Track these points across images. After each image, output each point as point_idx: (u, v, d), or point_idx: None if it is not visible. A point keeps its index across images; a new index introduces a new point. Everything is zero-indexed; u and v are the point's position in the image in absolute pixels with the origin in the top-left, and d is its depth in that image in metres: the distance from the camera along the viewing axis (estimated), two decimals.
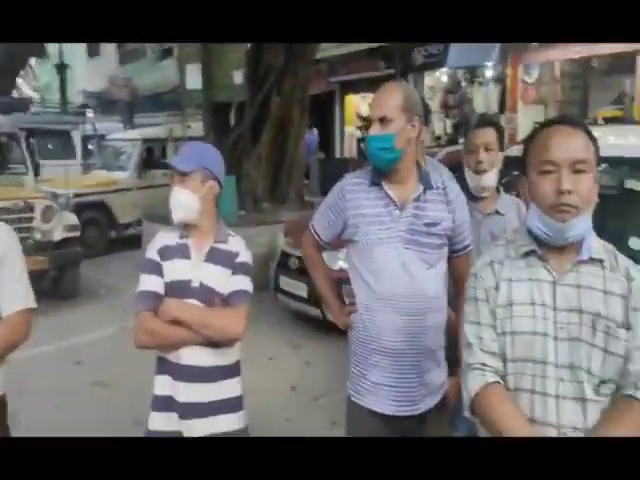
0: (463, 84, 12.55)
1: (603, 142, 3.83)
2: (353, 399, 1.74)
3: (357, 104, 13.56)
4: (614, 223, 2.80)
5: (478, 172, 2.05)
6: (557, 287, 1.20)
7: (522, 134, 9.46)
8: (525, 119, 10.35)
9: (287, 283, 4.85)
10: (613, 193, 3.28)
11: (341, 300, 1.90)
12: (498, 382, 1.22)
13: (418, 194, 1.64)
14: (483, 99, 12.09)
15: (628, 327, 1.17)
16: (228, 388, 1.67)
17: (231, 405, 1.67)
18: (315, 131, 12.99)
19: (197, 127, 8.30)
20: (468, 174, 2.10)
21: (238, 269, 1.65)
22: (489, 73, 11.62)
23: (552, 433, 1.17)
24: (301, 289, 4.55)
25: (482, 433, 1.29)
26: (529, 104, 10.80)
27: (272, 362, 4.17)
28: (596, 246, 1.24)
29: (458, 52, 11.04)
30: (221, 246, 1.66)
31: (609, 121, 8.45)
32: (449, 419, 1.80)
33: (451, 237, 1.68)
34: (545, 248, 1.23)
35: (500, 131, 2.11)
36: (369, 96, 13.42)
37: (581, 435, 1.16)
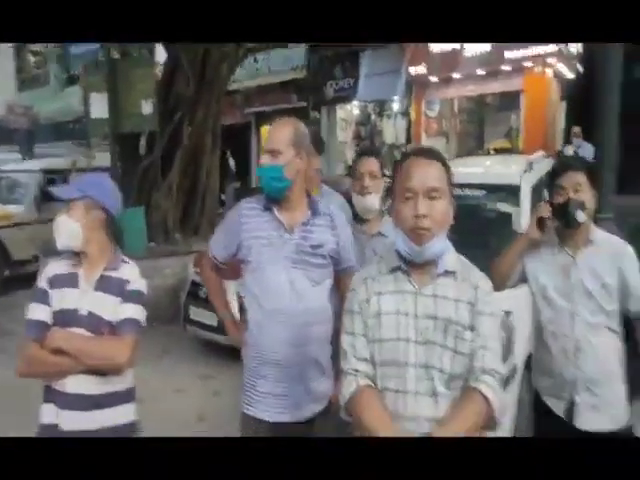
0: (373, 117, 13.25)
1: (487, 171, 4.26)
2: (244, 410, 1.84)
3: None
4: (495, 240, 3.12)
5: (363, 195, 2.23)
6: (418, 297, 1.35)
7: None
8: None
9: (197, 313, 4.77)
10: (492, 216, 3.68)
11: None
12: (369, 385, 1.35)
13: (306, 219, 1.81)
14: (391, 131, 12.84)
15: (473, 329, 1.32)
16: (118, 415, 1.67)
17: (121, 432, 1.66)
18: (232, 161, 13.05)
19: (103, 157, 8.03)
20: (354, 197, 2.30)
21: (128, 297, 1.66)
22: (396, 107, 12.40)
23: (412, 425, 1.31)
24: (210, 318, 4.50)
25: None
26: (432, 136, 11.63)
27: (180, 394, 4.06)
28: (451, 260, 1.39)
29: (367, 86, 11.72)
30: (111, 274, 1.68)
31: (499, 152, 9.32)
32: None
33: (336, 258, 1.86)
34: (409, 263, 1.38)
35: (381, 160, 2.32)
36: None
37: (433, 424, 1.29)
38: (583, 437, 1.82)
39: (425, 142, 11.47)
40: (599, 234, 1.92)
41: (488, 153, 9.53)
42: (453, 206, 1.38)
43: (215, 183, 8.03)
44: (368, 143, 13.08)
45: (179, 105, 7.51)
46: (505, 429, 2.59)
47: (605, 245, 1.87)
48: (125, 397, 1.71)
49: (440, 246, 1.35)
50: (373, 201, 2.25)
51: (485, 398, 1.28)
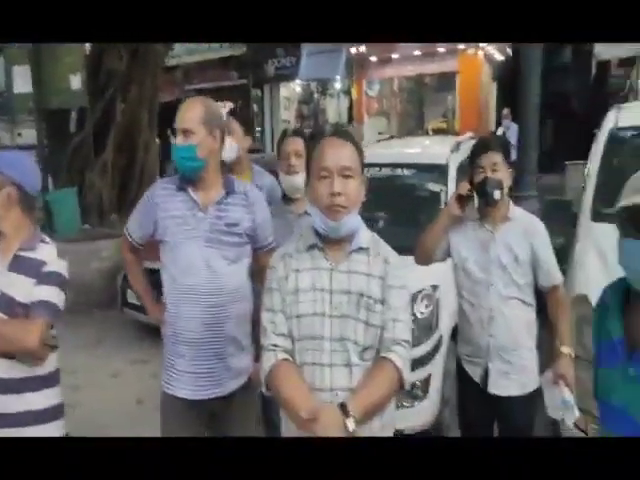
0: (316, 96, 13.22)
1: (420, 151, 4.39)
2: (164, 390, 1.86)
3: None
4: (426, 217, 3.25)
5: (290, 174, 2.27)
6: (333, 273, 1.40)
7: (367, 143, 10.25)
8: (370, 129, 11.26)
9: (134, 296, 4.68)
10: (424, 194, 3.84)
11: None
12: (287, 359, 1.39)
13: (220, 198, 1.81)
14: (334, 110, 12.88)
15: (384, 302, 1.38)
16: (38, 399, 1.63)
17: (43, 416, 1.64)
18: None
19: (30, 134, 7.56)
20: (282, 177, 2.32)
21: (44, 279, 1.61)
22: (338, 86, 12.43)
23: (328, 396, 1.36)
24: None
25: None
26: (373, 116, 11.78)
27: (117, 379, 4.00)
28: (365, 237, 1.44)
29: (309, 65, 11.65)
30: (26, 254, 1.62)
31: (437, 132, 9.61)
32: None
33: (252, 236, 1.87)
34: (326, 241, 1.42)
35: (306, 139, 2.34)
36: (226, 104, 13.47)
37: (347, 393, 1.34)
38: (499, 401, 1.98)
39: (367, 121, 11.61)
40: (517, 211, 2.04)
41: (427, 133, 9.79)
42: (365, 184, 1.44)
43: (153, 162, 7.76)
44: (312, 122, 13.08)
45: (111, 81, 7.14)
46: (433, 399, 2.75)
47: (521, 222, 2.00)
48: (47, 381, 1.67)
49: (354, 222, 1.41)
50: (300, 180, 2.24)
51: (395, 366, 1.36)
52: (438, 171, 3.67)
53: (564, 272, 2.97)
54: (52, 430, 1.67)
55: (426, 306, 2.86)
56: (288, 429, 1.43)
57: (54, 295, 1.62)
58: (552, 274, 1.99)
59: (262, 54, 12.02)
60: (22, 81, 6.84)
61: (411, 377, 2.59)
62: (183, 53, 12.24)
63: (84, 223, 6.85)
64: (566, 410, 1.91)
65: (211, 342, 1.78)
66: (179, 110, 1.81)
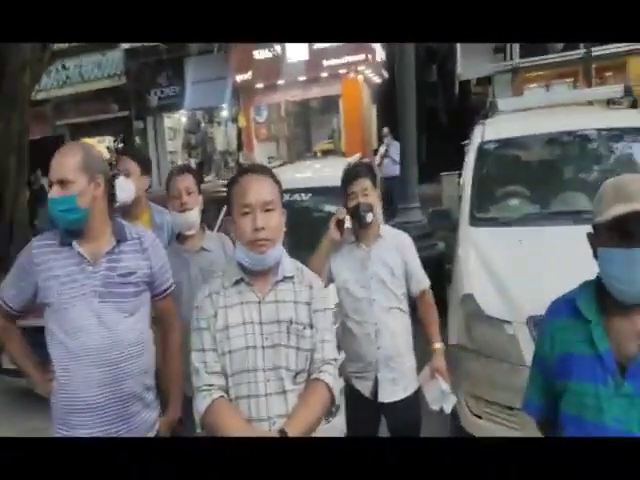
0: (202, 124, 13.08)
1: (313, 175, 4.53)
2: None
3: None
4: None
5: (183, 212, 2.22)
6: (262, 305, 1.43)
7: None
8: (261, 155, 11.37)
9: (8, 360, 4.20)
10: (322, 217, 3.96)
11: None
12: (222, 396, 1.40)
13: (111, 247, 1.68)
14: (223, 138, 12.83)
15: (312, 326, 1.44)
16: None
17: None
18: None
19: None
20: (174, 215, 2.26)
21: None
22: (225, 114, 12.42)
23: (265, 426, 1.39)
24: None
25: None
26: (263, 141, 11.93)
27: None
28: (288, 266, 1.49)
29: (194, 94, 11.53)
30: None
31: (325, 153, 9.99)
32: None
33: (151, 283, 1.75)
34: (251, 274, 1.45)
35: (197, 176, 2.34)
36: (106, 139, 12.80)
37: (284, 419, 1.38)
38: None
39: (256, 147, 11.72)
40: (387, 229, 2.22)
41: (315, 155, 10.13)
42: (284, 215, 1.49)
43: (24, 207, 7.12)
44: (200, 151, 12.89)
45: None
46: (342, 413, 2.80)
47: (391, 238, 2.17)
48: None
49: (279, 253, 1.46)
50: (193, 216, 2.23)
51: (327, 385, 1.43)
52: (334, 193, 3.82)
53: (449, 273, 3.25)
54: None
55: (332, 324, 2.93)
56: None
57: None
58: (421, 281, 2.18)
59: (143, 85, 11.67)
60: None
61: None
62: (52, 86, 11.51)
63: None
64: (444, 399, 2.09)
65: (112, 404, 1.63)
66: (53, 158, 1.65)
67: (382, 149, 9.48)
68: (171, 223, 2.48)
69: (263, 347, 1.41)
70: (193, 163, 12.39)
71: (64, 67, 11.12)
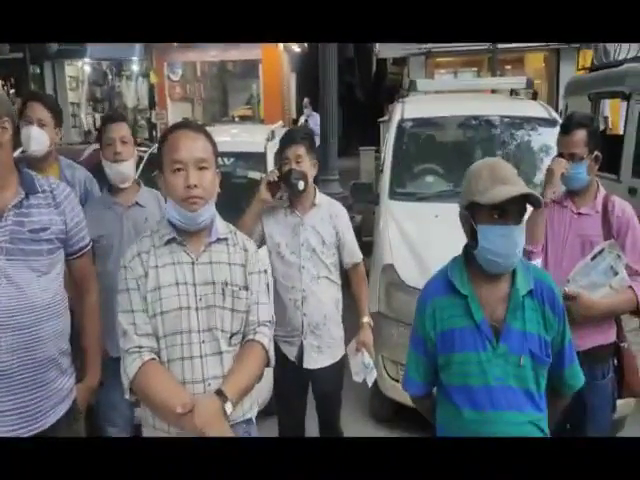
0: (110, 77, 12.11)
1: (234, 140, 4.43)
2: None
3: None
4: (246, 205, 3.33)
5: (117, 162, 2.09)
6: (195, 266, 1.40)
7: None
8: (174, 115, 10.82)
9: None
10: (243, 182, 3.91)
11: None
12: (154, 359, 1.36)
13: (19, 200, 1.50)
14: (133, 94, 12.00)
15: (247, 288, 1.43)
16: None
17: None
18: None
19: None
20: (107, 165, 2.11)
21: None
22: (136, 68, 11.59)
23: (199, 387, 1.36)
24: None
25: None
26: (177, 101, 11.34)
27: None
28: (222, 228, 1.46)
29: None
30: None
31: (243, 119, 9.76)
32: None
33: (66, 240, 1.60)
34: (183, 234, 1.40)
35: (129, 124, 2.20)
36: None
37: (220, 381, 1.36)
38: None
39: (170, 106, 11.13)
40: (322, 198, 2.23)
41: (233, 120, 9.85)
42: (219, 176, 1.45)
43: None
44: (107, 105, 11.96)
45: None
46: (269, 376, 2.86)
47: (326, 207, 2.20)
48: None
49: (211, 213, 1.41)
50: (128, 167, 2.11)
51: (263, 346, 1.44)
52: (256, 159, 3.78)
53: (368, 244, 3.41)
54: None
55: (266, 286, 2.95)
56: (151, 432, 1.41)
57: None
58: (354, 253, 2.23)
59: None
60: None
61: None
62: None
63: None
64: (367, 372, 2.18)
65: (25, 370, 1.47)
66: None
67: (302, 119, 9.44)
68: (84, 179, 2.32)
69: (197, 308, 1.38)
70: (99, 118, 11.48)
71: None
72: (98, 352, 1.76)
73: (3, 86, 11.28)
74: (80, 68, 11.78)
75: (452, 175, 3.60)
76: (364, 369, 2.17)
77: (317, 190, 2.21)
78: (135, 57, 11.04)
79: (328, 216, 2.17)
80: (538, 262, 1.94)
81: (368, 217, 4.42)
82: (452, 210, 3.08)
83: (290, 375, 2.16)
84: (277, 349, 2.20)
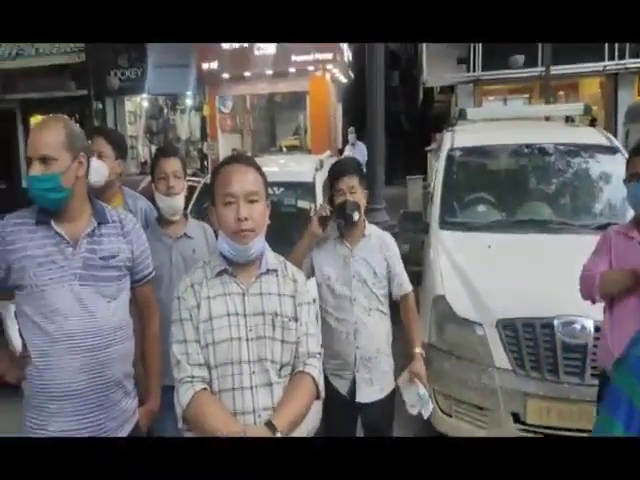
0: (165, 111, 12.73)
1: (283, 170, 4.53)
2: None
3: None
4: (297, 234, 3.36)
5: (170, 196, 2.18)
6: (246, 297, 1.42)
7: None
8: (225, 146, 11.20)
9: None
10: (292, 211, 3.97)
11: None
12: (205, 389, 1.38)
13: (92, 229, 1.62)
14: (186, 126, 12.54)
15: (297, 319, 1.44)
16: None
17: None
18: None
19: None
20: (159, 198, 2.21)
21: None
22: (189, 102, 12.14)
23: (250, 419, 1.37)
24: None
25: None
26: (227, 132, 11.75)
27: None
28: (272, 259, 1.49)
29: (156, 79, 11.18)
30: None
31: (290, 149, 9.97)
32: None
33: (131, 267, 1.70)
34: (234, 266, 1.43)
35: (183, 160, 2.30)
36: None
37: (270, 412, 1.37)
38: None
39: (221, 138, 11.53)
40: (372, 229, 2.23)
41: (280, 150, 10.09)
42: (269, 207, 1.48)
43: None
44: (162, 138, 12.55)
45: None
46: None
47: (375, 238, 2.19)
48: None
49: (261, 245, 1.45)
50: (180, 201, 2.20)
51: (312, 378, 1.44)
52: (305, 188, 3.83)
53: (416, 273, 3.34)
54: None
55: (316, 318, 2.95)
56: None
57: None
58: (404, 284, 2.20)
59: (104, 64, 11.21)
60: None
61: None
62: (4, 58, 10.86)
63: None
64: (422, 404, 2.11)
65: (92, 391, 1.56)
66: (33, 133, 1.56)
67: (348, 149, 9.50)
68: (145, 209, 2.42)
69: (248, 339, 1.40)
70: (154, 150, 12.06)
71: None
72: (159, 377, 1.82)
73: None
74: (138, 103, 12.46)
75: (504, 204, 3.52)
76: (419, 401, 2.11)
77: (366, 221, 2.21)
78: (189, 91, 11.57)
79: (378, 246, 2.16)
80: None
81: (415, 246, 4.37)
82: (505, 240, 3.08)
83: (341, 409, 2.13)
84: (327, 382, 2.15)
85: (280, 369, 1.43)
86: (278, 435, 1.31)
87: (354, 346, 2.10)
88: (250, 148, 11.67)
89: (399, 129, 17.02)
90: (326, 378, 2.16)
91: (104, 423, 1.60)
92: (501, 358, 2.47)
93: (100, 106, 11.72)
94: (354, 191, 2.09)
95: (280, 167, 5.45)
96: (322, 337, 2.16)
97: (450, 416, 2.59)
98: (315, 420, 2.55)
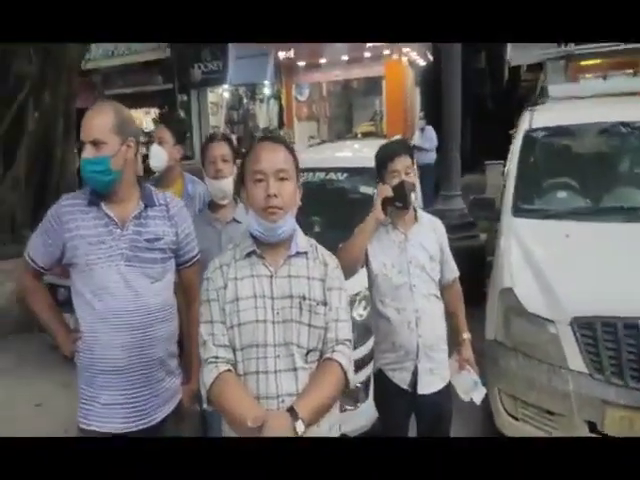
0: (245, 101, 13.07)
1: (352, 155, 4.44)
2: (83, 426, 1.68)
3: (140, 119, 13.00)
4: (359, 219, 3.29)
5: (218, 179, 2.21)
6: (273, 279, 1.40)
7: (299, 147, 10.26)
8: (301, 134, 11.29)
9: None
10: (357, 198, 3.88)
11: None
12: (229, 370, 1.37)
13: (139, 212, 1.68)
14: (264, 115, 12.81)
15: (326, 304, 1.40)
16: None
17: None
18: None
19: None
20: (208, 182, 2.26)
21: None
22: (267, 91, 12.37)
23: (273, 403, 1.35)
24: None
25: None
26: (303, 120, 11.84)
27: (40, 408, 3.70)
28: (302, 241, 1.45)
29: (237, 70, 11.50)
30: None
31: (366, 135, 9.81)
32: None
33: (176, 250, 1.75)
34: (263, 247, 1.41)
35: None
36: (152, 111, 12.99)
37: (294, 398, 1.33)
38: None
39: (297, 126, 11.64)
40: (422, 214, 2.13)
41: (356, 136, 9.96)
42: (300, 188, 1.45)
43: (71, 174, 7.29)
44: (242, 127, 12.92)
45: (21, 85, 6.66)
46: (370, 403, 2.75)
47: (428, 222, 2.10)
48: None
49: (291, 225, 1.42)
50: (228, 184, 2.22)
51: (341, 366, 1.38)
52: (370, 174, 3.72)
53: (490, 265, 3.13)
54: None
55: (364, 308, 2.87)
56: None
57: None
58: (454, 268, 2.13)
59: (188, 58, 11.71)
60: None
61: (353, 379, 2.63)
62: (101, 56, 11.68)
63: None
64: (475, 389, 2.04)
65: (137, 368, 1.64)
66: (85, 118, 1.63)
67: (417, 134, 9.05)
68: (203, 194, 2.47)
69: (274, 322, 1.37)
70: (234, 138, 12.42)
71: None
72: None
73: (159, 114, 12.81)
74: (220, 94, 12.90)
75: (590, 190, 3.18)
76: (473, 387, 2.04)
77: (416, 205, 2.12)
78: (267, 80, 11.77)
79: (432, 231, 2.07)
80: None
81: (494, 236, 4.12)
82: (586, 229, 2.78)
83: (401, 404, 2.03)
84: (385, 378, 2.07)
85: (307, 354, 1.39)
86: (299, 422, 1.26)
87: (416, 335, 1.99)
88: (327, 135, 11.66)
89: (484, 112, 16.16)
90: (383, 374, 2.09)
91: (149, 399, 1.67)
92: (576, 360, 2.24)
93: (185, 98, 12.29)
94: (409, 171, 2.00)
95: (351, 152, 5.36)
96: (379, 331, 2.11)
97: (516, 419, 2.39)
98: (369, 419, 2.49)
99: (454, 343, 2.11)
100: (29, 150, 6.66)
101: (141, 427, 1.66)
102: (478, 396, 2.06)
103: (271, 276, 1.39)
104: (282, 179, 1.38)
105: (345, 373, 1.39)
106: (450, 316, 2.13)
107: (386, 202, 2.01)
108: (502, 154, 4.68)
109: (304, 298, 1.38)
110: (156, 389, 1.68)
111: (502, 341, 2.49)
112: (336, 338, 1.40)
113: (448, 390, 2.07)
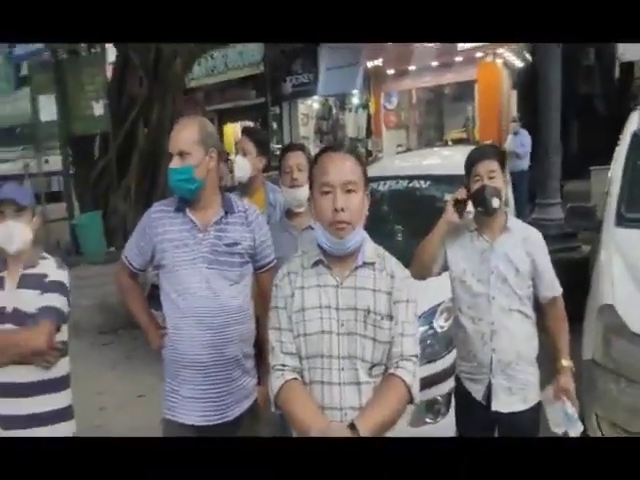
0: (334, 111, 13.28)
1: (440, 162, 4.30)
2: (167, 417, 1.82)
3: (236, 133, 13.72)
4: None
5: (293, 188, 2.28)
6: (339, 290, 1.39)
7: (387, 156, 10.21)
8: (389, 142, 11.22)
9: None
10: (443, 205, 3.77)
11: None
12: (296, 378, 1.38)
13: (219, 217, 1.79)
14: (353, 125, 12.91)
15: (391, 318, 1.37)
16: (49, 401, 1.75)
17: (54, 417, 1.76)
18: None
19: (56, 161, 7.79)
20: (285, 190, 2.33)
21: (47, 288, 1.75)
22: (356, 100, 12.47)
23: (336, 415, 1.35)
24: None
25: None
26: (392, 129, 11.75)
27: (142, 399, 4.00)
28: (370, 251, 1.42)
29: (326, 80, 11.74)
30: (30, 271, 1.78)
31: (457, 142, 9.51)
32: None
33: (253, 255, 1.84)
34: (330, 257, 1.41)
35: (307, 153, 2.37)
36: (246, 124, 13.67)
37: (356, 412, 1.32)
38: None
39: (385, 135, 11.59)
40: (514, 222, 2.00)
41: (446, 144, 9.71)
42: (368, 198, 1.42)
43: None
44: (331, 137, 13.13)
45: (133, 105, 7.37)
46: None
47: (519, 232, 1.95)
48: (57, 385, 1.78)
49: (359, 238, 1.39)
50: (303, 193, 2.24)
51: (404, 383, 1.35)
52: (458, 181, 3.60)
53: (589, 281, 2.88)
54: (61, 431, 1.78)
55: (445, 319, 2.78)
56: None
57: (57, 300, 1.78)
58: (552, 285, 1.94)
59: (279, 72, 12.18)
60: (47, 109, 7.11)
61: (433, 392, 2.55)
62: (202, 75, 12.52)
63: (109, 246, 7.00)
64: (570, 424, 1.87)
65: (215, 365, 1.75)
66: (173, 132, 1.79)
67: (509, 138, 8.55)
68: (283, 202, 2.55)
69: (338, 334, 1.36)
70: None
71: (212, 57, 12.06)
72: None
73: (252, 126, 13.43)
74: (310, 106, 13.23)
75: None
76: (566, 420, 1.87)
77: (509, 213, 1.99)
78: (356, 90, 11.87)
79: (522, 242, 1.92)
80: None
81: (594, 247, 3.78)
82: None
83: (476, 415, 1.96)
84: (461, 386, 2.03)
85: (371, 368, 1.36)
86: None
87: (490, 348, 1.90)
88: (415, 143, 11.49)
89: (593, 113, 14.93)
90: (460, 381, 2.04)
91: (225, 397, 1.77)
92: None
93: (277, 111, 12.79)
94: (493, 176, 1.89)
95: (439, 159, 5.21)
96: (457, 338, 2.05)
97: None
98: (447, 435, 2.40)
99: (554, 369, 1.94)
100: (139, 163, 7.34)
101: (217, 422, 1.76)
102: (574, 431, 1.88)
103: (337, 286, 1.39)
104: (349, 191, 1.35)
105: (409, 389, 1.35)
106: (549, 339, 1.97)
107: (461, 204, 1.94)
108: (611, 159, 4.30)
109: (369, 312, 1.36)
110: (231, 387, 1.78)
111: (600, 362, 2.27)
112: (401, 353, 1.37)
113: (534, 415, 1.93)
